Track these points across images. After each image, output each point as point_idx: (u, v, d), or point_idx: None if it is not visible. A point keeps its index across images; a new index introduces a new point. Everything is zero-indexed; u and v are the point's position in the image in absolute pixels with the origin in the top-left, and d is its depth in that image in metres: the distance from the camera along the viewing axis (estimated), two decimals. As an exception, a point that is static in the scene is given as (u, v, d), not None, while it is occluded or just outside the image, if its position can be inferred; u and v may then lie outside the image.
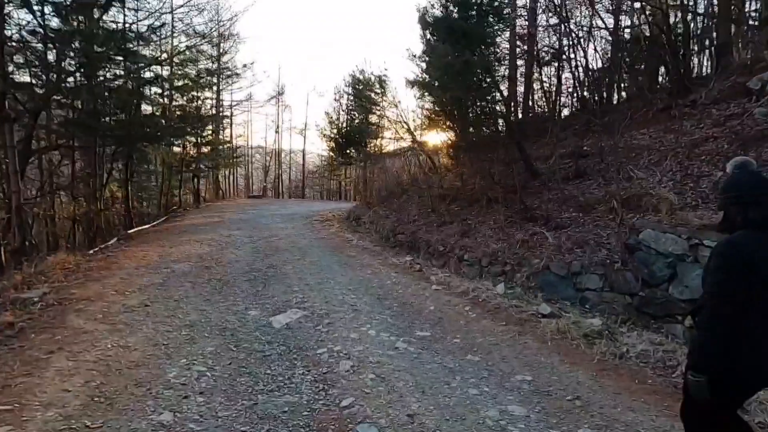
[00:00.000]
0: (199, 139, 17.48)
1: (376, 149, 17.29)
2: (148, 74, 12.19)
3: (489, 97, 7.78)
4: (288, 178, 35.11)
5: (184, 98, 15.69)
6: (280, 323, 4.25)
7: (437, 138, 12.88)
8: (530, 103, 10.89)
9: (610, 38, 10.83)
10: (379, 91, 15.15)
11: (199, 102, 17.17)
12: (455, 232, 7.56)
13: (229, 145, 23.31)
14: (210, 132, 19.21)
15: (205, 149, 20.05)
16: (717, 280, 1.63)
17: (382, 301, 5.03)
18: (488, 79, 7.42)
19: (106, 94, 10.14)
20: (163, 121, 13.08)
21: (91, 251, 7.59)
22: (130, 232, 9.72)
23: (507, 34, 9.61)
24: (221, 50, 17.96)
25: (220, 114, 20.81)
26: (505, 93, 9.74)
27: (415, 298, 5.17)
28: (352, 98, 19.45)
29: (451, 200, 9.59)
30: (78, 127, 10.13)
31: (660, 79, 10.15)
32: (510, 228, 6.73)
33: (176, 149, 16.30)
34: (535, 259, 5.56)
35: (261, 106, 28.00)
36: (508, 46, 10.00)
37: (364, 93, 16.05)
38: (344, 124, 20.19)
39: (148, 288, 5.27)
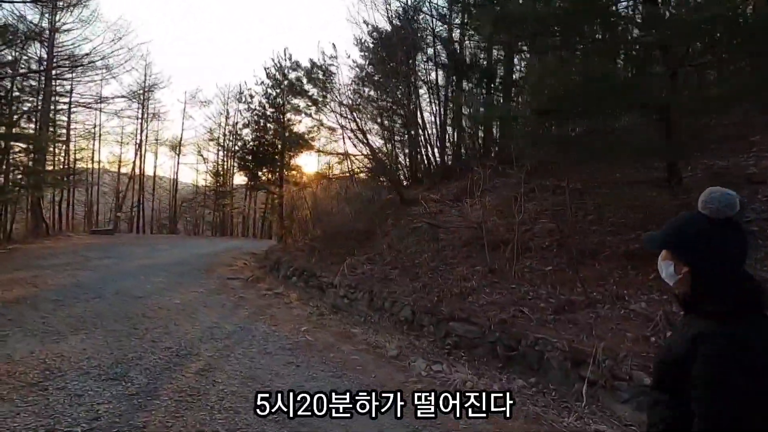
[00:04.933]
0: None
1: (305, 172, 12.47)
2: None
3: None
4: (151, 208, 26.66)
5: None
6: None
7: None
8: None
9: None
10: (322, 84, 10.60)
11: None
12: (653, 334, 3.37)
13: (57, 153, 15.40)
14: (24, 123, 11.76)
15: (18, 154, 12.32)
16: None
17: None
18: None
19: None
20: None
21: None
22: None
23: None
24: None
25: (49, 74, 12.77)
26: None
27: None
28: (265, 102, 14.23)
29: (522, 250, 5.37)
30: None
31: None
32: None
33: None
34: None
35: (118, 108, 20.26)
36: None
37: (296, 89, 11.22)
38: (254, 135, 14.72)
39: None
